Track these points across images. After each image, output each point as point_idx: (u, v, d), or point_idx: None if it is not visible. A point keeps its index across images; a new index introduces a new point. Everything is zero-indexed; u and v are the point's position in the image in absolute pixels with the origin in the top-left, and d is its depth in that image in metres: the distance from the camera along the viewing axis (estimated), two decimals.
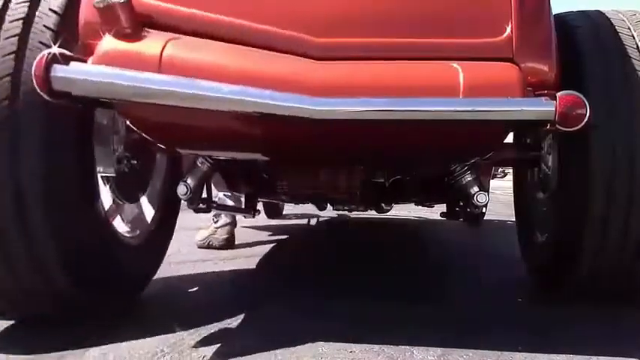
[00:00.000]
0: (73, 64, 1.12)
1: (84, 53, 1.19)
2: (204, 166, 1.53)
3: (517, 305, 1.78)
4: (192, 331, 1.41)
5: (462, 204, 1.96)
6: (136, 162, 1.63)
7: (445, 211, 2.31)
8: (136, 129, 1.34)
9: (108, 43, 1.16)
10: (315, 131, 1.20)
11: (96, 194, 1.42)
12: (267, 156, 1.45)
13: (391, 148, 1.35)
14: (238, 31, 1.23)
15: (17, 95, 1.20)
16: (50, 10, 1.27)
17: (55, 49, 1.11)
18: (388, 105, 1.13)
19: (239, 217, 2.95)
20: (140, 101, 1.13)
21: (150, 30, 1.19)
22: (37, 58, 1.09)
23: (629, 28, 1.49)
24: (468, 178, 1.50)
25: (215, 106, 1.12)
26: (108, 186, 1.60)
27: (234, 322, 1.49)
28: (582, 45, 1.47)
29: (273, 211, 4.27)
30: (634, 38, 1.46)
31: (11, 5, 1.26)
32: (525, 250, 2.10)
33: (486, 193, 1.47)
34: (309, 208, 3.06)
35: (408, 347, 1.29)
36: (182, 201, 1.60)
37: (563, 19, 1.56)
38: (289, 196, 2.17)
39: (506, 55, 1.23)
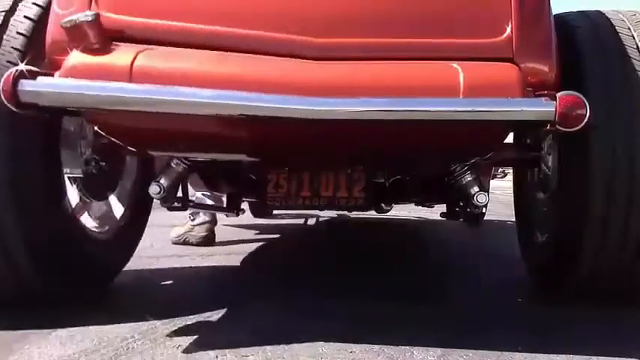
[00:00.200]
0: (39, 78, 1.17)
1: (51, 68, 1.23)
2: (180, 167, 1.53)
3: (517, 305, 1.78)
4: (166, 321, 1.40)
5: (462, 204, 1.96)
6: (104, 163, 1.69)
7: (445, 211, 2.31)
8: (104, 134, 1.37)
9: (75, 57, 1.18)
10: (314, 132, 1.20)
11: (62, 194, 1.51)
12: (258, 157, 1.45)
13: (391, 149, 1.35)
14: (225, 37, 1.23)
15: None
16: (17, 33, 1.35)
17: (22, 66, 1.17)
18: (388, 105, 1.13)
19: (220, 215, 2.70)
20: (110, 109, 1.16)
21: (119, 43, 1.21)
22: (5, 75, 1.14)
23: (629, 29, 1.49)
24: (468, 178, 1.50)
25: (208, 111, 1.13)
26: (75, 185, 1.65)
27: (215, 315, 1.47)
28: (582, 45, 1.47)
29: (260, 210, 3.50)
30: (634, 38, 1.46)
31: None
32: (525, 250, 2.09)
33: (486, 193, 1.47)
34: None
35: (408, 347, 1.29)
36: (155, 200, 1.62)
37: (563, 19, 1.55)
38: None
39: (506, 55, 1.23)
